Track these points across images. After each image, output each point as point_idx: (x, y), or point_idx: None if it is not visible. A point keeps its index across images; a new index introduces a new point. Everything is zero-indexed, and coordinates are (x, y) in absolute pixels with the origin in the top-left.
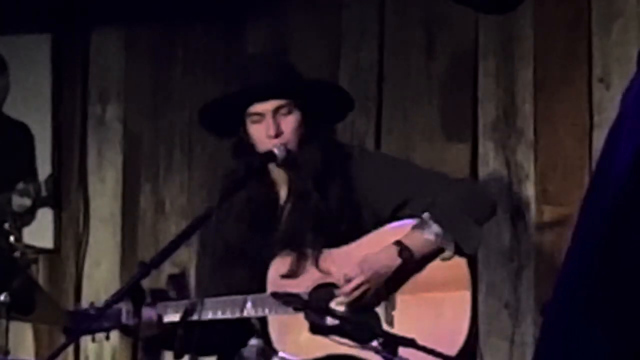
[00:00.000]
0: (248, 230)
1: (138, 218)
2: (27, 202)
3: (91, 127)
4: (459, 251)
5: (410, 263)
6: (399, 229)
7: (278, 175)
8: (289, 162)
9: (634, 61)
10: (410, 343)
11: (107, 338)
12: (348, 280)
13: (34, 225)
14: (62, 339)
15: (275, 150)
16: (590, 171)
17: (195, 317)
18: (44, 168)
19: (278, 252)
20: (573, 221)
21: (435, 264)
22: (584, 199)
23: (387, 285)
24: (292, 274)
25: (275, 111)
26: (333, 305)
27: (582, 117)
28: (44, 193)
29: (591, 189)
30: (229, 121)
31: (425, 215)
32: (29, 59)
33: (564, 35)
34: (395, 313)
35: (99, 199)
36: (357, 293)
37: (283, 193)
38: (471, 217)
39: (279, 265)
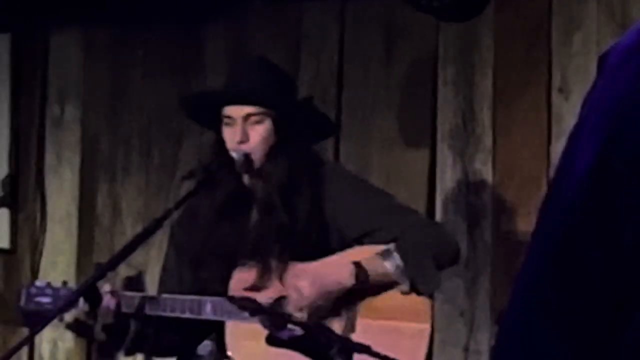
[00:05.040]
0: (218, 233)
1: (95, 219)
2: None
3: (49, 128)
4: (415, 289)
5: (364, 286)
6: (367, 252)
7: (250, 182)
8: (253, 170)
9: (593, 71)
10: (366, 350)
11: (61, 320)
12: (299, 296)
13: None
14: (16, 339)
15: (235, 156)
16: (549, 181)
17: (151, 313)
18: (1, 168)
19: (244, 260)
20: (530, 230)
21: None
22: (541, 204)
23: (338, 303)
24: (256, 288)
25: (246, 117)
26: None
27: (540, 126)
28: (0, 193)
29: (549, 195)
30: (208, 116)
31: (391, 245)
32: None
33: (523, 44)
34: (353, 335)
35: (55, 200)
36: (308, 312)
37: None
38: (434, 261)
39: (242, 276)
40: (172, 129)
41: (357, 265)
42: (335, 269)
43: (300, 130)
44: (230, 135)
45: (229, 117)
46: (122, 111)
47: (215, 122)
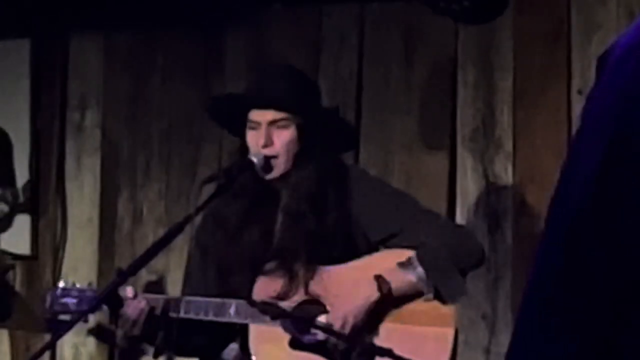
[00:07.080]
0: (243, 237)
1: (115, 225)
2: (5, 208)
3: (70, 134)
4: (439, 297)
5: (389, 298)
6: (392, 255)
7: (275, 186)
8: (271, 172)
9: None
10: (387, 353)
11: (86, 321)
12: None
13: (11, 231)
14: (38, 345)
15: (254, 160)
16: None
17: (176, 315)
18: (22, 174)
19: (270, 265)
20: None
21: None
22: (549, 205)
23: (368, 317)
24: (282, 296)
25: (271, 123)
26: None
27: (560, 128)
28: (21, 199)
29: (555, 196)
30: (234, 120)
31: (412, 255)
32: (7, 64)
33: (543, 46)
34: (377, 339)
35: (76, 206)
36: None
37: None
38: (457, 266)
39: (267, 283)
40: (192, 133)
41: (379, 278)
42: (359, 288)
43: (325, 138)
44: (254, 140)
45: (254, 121)
46: (142, 116)
47: (239, 127)
